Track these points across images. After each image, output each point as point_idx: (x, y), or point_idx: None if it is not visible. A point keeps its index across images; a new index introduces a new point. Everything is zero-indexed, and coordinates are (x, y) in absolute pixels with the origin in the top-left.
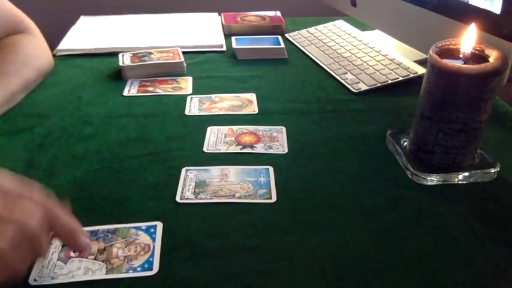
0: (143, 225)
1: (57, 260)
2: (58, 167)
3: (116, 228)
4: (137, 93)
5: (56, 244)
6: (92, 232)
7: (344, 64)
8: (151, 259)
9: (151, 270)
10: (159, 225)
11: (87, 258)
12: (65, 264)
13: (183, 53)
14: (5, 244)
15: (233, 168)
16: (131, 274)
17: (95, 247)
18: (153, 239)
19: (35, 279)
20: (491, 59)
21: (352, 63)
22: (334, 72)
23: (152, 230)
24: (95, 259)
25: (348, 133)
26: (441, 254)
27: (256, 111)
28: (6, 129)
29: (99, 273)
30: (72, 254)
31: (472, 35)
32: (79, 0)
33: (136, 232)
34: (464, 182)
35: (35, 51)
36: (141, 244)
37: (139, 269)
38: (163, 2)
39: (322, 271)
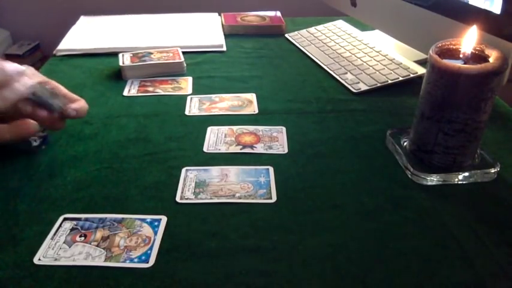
0: (148, 217)
1: (63, 242)
2: (58, 167)
3: (123, 218)
4: (137, 93)
5: (65, 227)
6: (100, 219)
7: (344, 64)
8: (149, 252)
9: (147, 262)
10: (164, 219)
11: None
12: (69, 247)
13: (183, 53)
14: None
15: (233, 168)
16: (127, 264)
17: (99, 234)
18: (155, 232)
19: (39, 259)
20: (491, 59)
21: (352, 63)
22: (334, 72)
23: (156, 223)
24: (98, 246)
25: (348, 133)
26: (441, 254)
27: (256, 111)
28: None
29: (98, 260)
30: (77, 238)
31: (472, 35)
32: (79, 0)
33: (141, 224)
34: (464, 182)
35: None
36: (143, 236)
37: (136, 260)
38: (163, 2)
39: (322, 271)
